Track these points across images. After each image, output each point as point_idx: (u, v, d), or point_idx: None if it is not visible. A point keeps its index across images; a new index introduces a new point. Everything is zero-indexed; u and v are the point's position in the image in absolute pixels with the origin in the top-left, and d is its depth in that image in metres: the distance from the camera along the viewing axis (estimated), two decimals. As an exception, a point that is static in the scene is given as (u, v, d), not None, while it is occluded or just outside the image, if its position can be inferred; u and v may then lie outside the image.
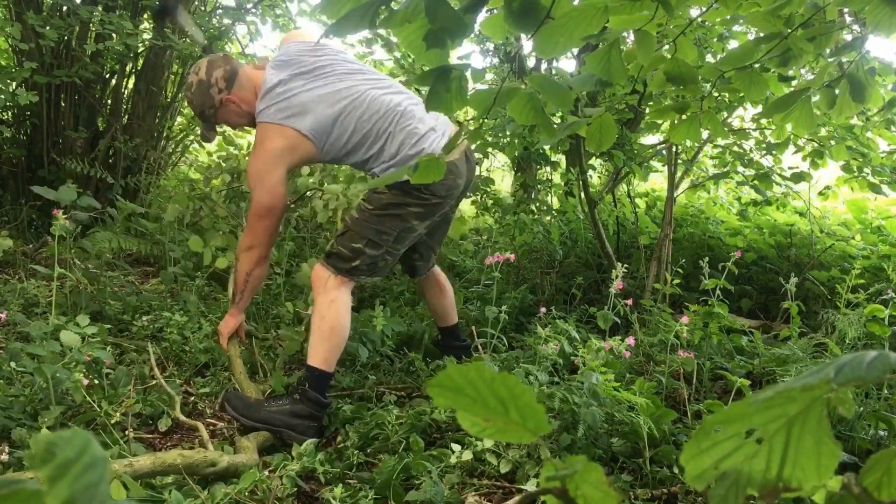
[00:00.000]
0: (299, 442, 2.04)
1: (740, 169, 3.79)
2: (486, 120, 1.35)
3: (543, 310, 2.63)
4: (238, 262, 2.35)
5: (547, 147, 3.77)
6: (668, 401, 2.36)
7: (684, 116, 1.62)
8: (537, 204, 4.26)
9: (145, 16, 4.62)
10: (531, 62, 4.81)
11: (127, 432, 1.99)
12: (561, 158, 4.47)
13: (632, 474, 1.90)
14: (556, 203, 4.62)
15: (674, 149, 3.53)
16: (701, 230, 4.10)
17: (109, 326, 2.71)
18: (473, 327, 2.58)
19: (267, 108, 2.23)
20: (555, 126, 1.23)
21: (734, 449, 0.50)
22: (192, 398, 2.41)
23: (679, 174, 3.69)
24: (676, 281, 2.98)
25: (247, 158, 4.03)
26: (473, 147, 3.21)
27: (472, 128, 3.29)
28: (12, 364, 2.15)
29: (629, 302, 2.67)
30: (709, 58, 3.13)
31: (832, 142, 3.42)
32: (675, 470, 1.87)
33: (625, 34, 1.45)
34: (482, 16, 1.09)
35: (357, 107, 2.24)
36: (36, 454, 0.35)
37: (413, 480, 1.85)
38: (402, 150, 2.22)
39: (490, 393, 0.49)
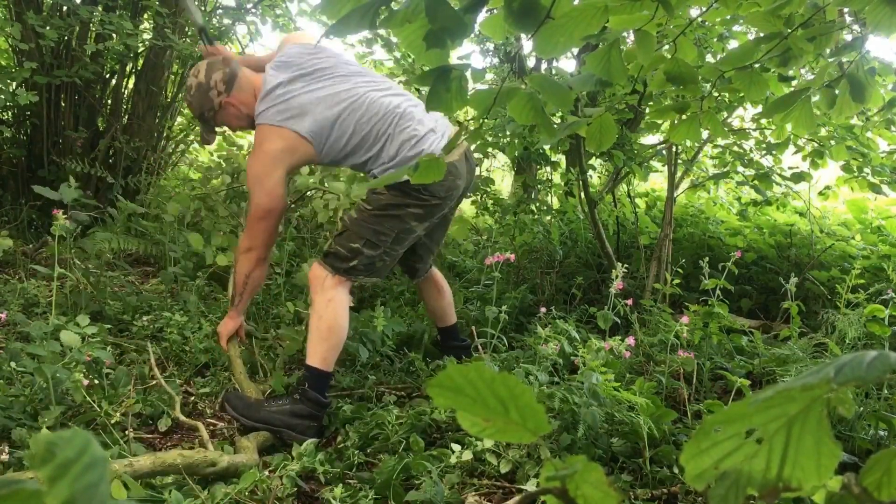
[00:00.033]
0: (299, 442, 2.04)
1: (740, 169, 3.79)
2: (486, 120, 1.35)
3: (543, 310, 2.63)
4: (237, 263, 2.35)
5: (547, 147, 3.77)
6: (668, 401, 2.36)
7: (684, 116, 1.62)
8: (537, 204, 4.26)
9: (145, 16, 4.62)
10: (531, 62, 4.81)
11: (127, 432, 1.99)
12: (561, 158, 4.47)
13: (632, 474, 1.90)
14: (556, 203, 4.62)
15: (674, 149, 3.53)
16: (701, 230, 4.10)
17: (109, 326, 2.71)
18: (473, 327, 2.58)
19: (266, 109, 2.23)
20: (555, 126, 1.23)
21: (734, 449, 0.50)
22: (192, 398, 2.41)
23: (679, 174, 3.69)
24: (676, 281, 2.98)
25: (247, 158, 4.03)
26: (473, 147, 3.21)
27: (472, 128, 3.29)
28: (12, 364, 2.15)
29: (629, 302, 2.67)
30: (709, 58, 3.13)
31: (832, 142, 3.42)
32: (675, 470, 1.87)
33: (625, 34, 1.45)
34: (482, 16, 1.09)
35: (356, 109, 2.24)
36: (36, 454, 0.35)
37: (413, 480, 1.85)
38: (402, 152, 2.22)
39: (490, 393, 0.49)
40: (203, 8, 4.82)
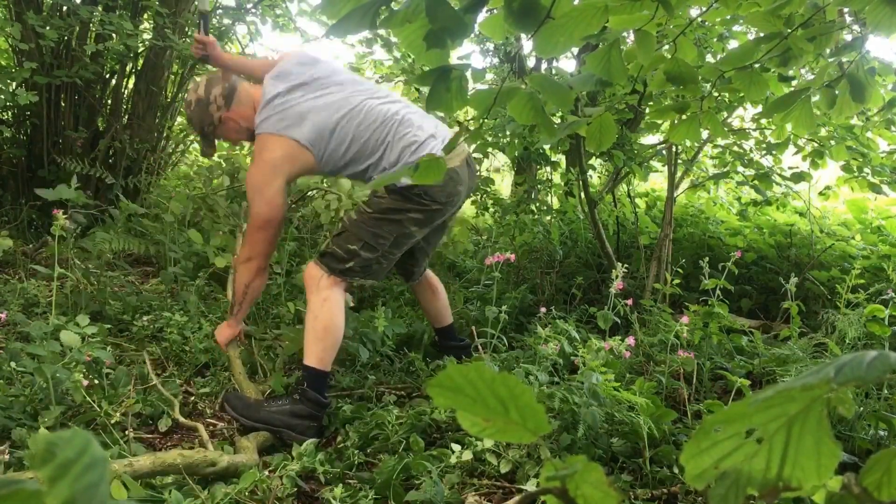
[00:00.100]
0: (299, 442, 2.04)
1: (740, 169, 3.79)
2: (486, 120, 1.35)
3: (543, 310, 2.63)
4: (237, 273, 2.34)
5: (547, 147, 3.77)
6: (668, 401, 2.36)
7: (684, 116, 1.62)
8: (537, 204, 4.26)
9: (145, 16, 4.62)
10: (531, 62, 4.81)
11: (127, 432, 1.98)
12: (561, 158, 4.47)
13: (632, 474, 1.90)
14: (556, 203, 4.63)
15: (674, 149, 3.53)
16: (701, 230, 4.10)
17: (109, 326, 2.71)
18: (473, 327, 2.58)
19: (265, 119, 2.23)
20: (555, 126, 1.23)
21: (734, 449, 0.50)
22: (192, 398, 2.41)
23: (679, 174, 3.69)
24: (676, 281, 2.98)
25: (247, 159, 4.04)
26: (473, 147, 3.21)
27: (472, 128, 3.29)
28: (12, 364, 2.15)
29: (629, 302, 2.67)
30: (709, 58, 3.13)
31: (832, 142, 3.42)
32: (675, 470, 1.87)
33: (625, 34, 1.46)
34: (482, 16, 1.09)
35: (354, 116, 2.24)
36: (36, 454, 0.35)
37: (413, 480, 1.85)
38: (403, 158, 2.22)
39: (490, 393, 0.49)
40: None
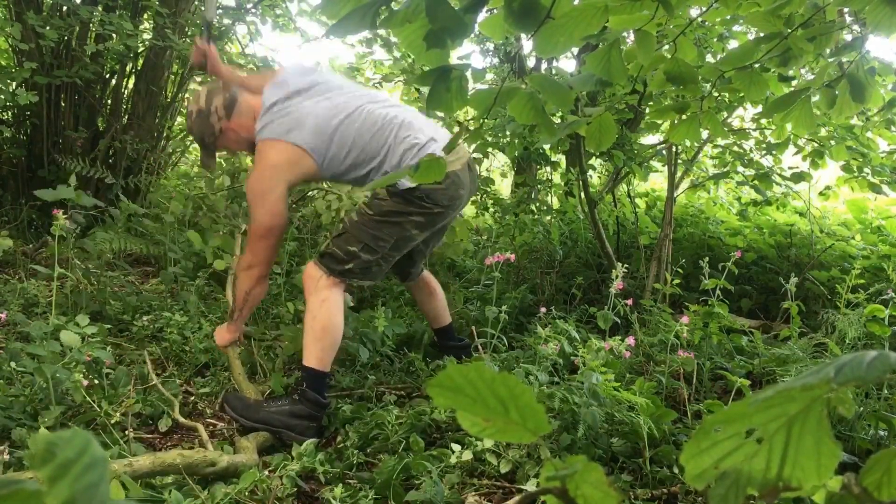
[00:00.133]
0: (299, 442, 2.04)
1: (740, 169, 3.79)
2: (486, 120, 1.35)
3: (543, 310, 2.63)
4: (238, 280, 2.34)
5: (547, 147, 3.77)
6: (668, 401, 2.36)
7: (684, 116, 1.62)
8: (537, 204, 4.27)
9: (145, 16, 4.62)
10: (531, 62, 4.81)
11: (127, 432, 1.98)
12: (561, 158, 4.47)
13: (632, 474, 1.90)
14: (556, 203, 4.63)
15: (674, 149, 3.53)
16: (701, 230, 4.10)
17: (109, 326, 2.71)
18: (473, 327, 2.58)
19: (265, 125, 2.23)
20: (555, 126, 1.23)
21: (734, 448, 0.50)
22: (192, 398, 2.41)
23: (679, 174, 3.69)
24: (676, 281, 2.98)
25: (248, 159, 4.03)
26: (472, 147, 3.21)
27: (472, 128, 3.29)
28: (12, 364, 2.15)
29: (629, 302, 2.67)
30: (709, 58, 3.13)
31: (832, 142, 3.42)
32: (675, 470, 1.87)
33: (625, 34, 1.46)
34: (482, 16, 1.09)
35: (354, 120, 2.24)
36: (36, 454, 0.35)
37: (413, 480, 1.85)
38: (404, 161, 2.21)
39: (490, 393, 0.49)
40: (203, 8, 4.81)
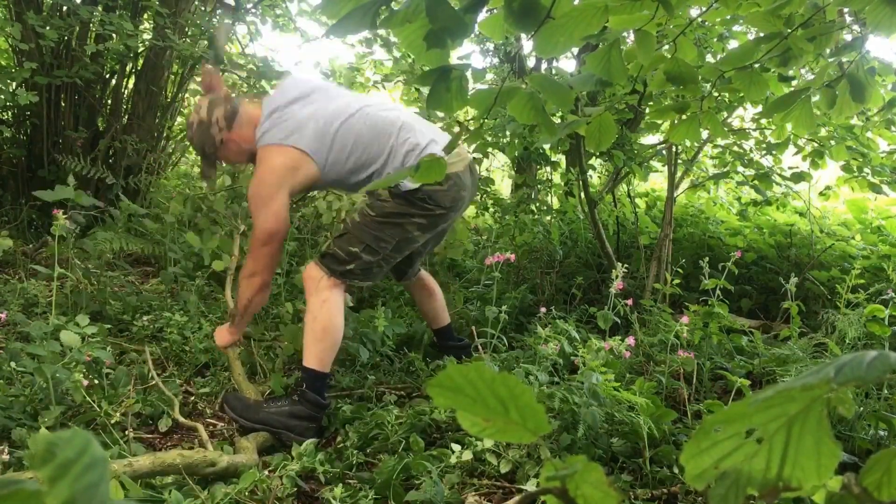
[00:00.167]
0: (298, 443, 2.04)
1: (740, 169, 3.79)
2: (486, 120, 1.35)
3: (543, 310, 2.63)
4: (240, 288, 2.33)
5: (547, 147, 3.77)
6: (668, 401, 2.36)
7: (684, 116, 1.62)
8: (537, 204, 4.26)
9: (145, 16, 4.62)
10: (531, 62, 4.81)
11: (127, 432, 1.98)
12: (561, 158, 4.47)
13: (632, 474, 1.90)
14: (556, 203, 4.63)
15: (674, 149, 3.53)
16: (701, 230, 4.10)
17: (109, 326, 2.71)
18: (473, 327, 2.58)
19: (266, 131, 2.23)
20: (555, 125, 1.23)
21: (734, 448, 0.50)
22: (192, 398, 2.41)
23: (679, 174, 3.69)
24: (676, 281, 2.98)
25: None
26: (473, 147, 3.21)
27: (472, 128, 3.29)
28: (12, 364, 2.15)
29: (629, 302, 2.67)
30: (709, 58, 3.13)
31: (832, 142, 3.42)
32: (675, 470, 1.87)
33: (625, 34, 1.46)
34: (482, 16, 1.09)
35: (354, 123, 2.24)
36: (36, 454, 0.35)
37: (413, 480, 1.85)
38: (407, 163, 2.21)
39: (490, 393, 0.49)
40: (203, 8, 4.81)
